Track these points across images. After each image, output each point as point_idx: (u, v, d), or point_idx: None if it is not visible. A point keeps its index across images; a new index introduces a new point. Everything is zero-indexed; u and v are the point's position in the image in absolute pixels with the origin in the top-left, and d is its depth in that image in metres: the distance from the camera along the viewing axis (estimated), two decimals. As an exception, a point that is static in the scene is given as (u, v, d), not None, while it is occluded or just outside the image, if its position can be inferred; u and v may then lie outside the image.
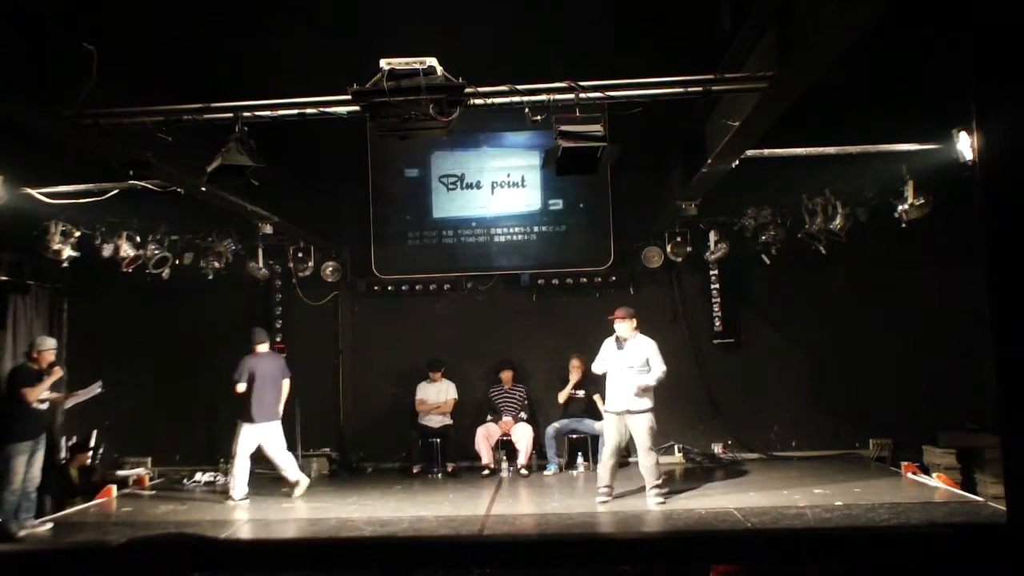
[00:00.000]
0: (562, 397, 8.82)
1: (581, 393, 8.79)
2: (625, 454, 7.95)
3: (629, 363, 7.05)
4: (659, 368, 7.02)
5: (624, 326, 7.18)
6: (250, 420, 7.67)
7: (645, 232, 9.41)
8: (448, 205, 9.48)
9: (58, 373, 7.07)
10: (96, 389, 7.76)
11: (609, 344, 7.33)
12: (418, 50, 4.73)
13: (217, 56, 5.92)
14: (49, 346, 7.14)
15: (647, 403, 6.97)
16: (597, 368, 7.38)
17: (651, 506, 6.93)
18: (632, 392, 6.95)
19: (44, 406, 6.98)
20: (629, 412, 6.99)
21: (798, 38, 4.26)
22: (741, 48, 5.18)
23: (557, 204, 9.43)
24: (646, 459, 6.97)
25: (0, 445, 6.72)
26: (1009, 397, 2.48)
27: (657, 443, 7.12)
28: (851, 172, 7.95)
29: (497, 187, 9.44)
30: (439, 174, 9.49)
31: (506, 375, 9.01)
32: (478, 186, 9.45)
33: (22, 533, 6.51)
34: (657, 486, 6.99)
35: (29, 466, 6.77)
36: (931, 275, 8.70)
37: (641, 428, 6.95)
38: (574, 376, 8.74)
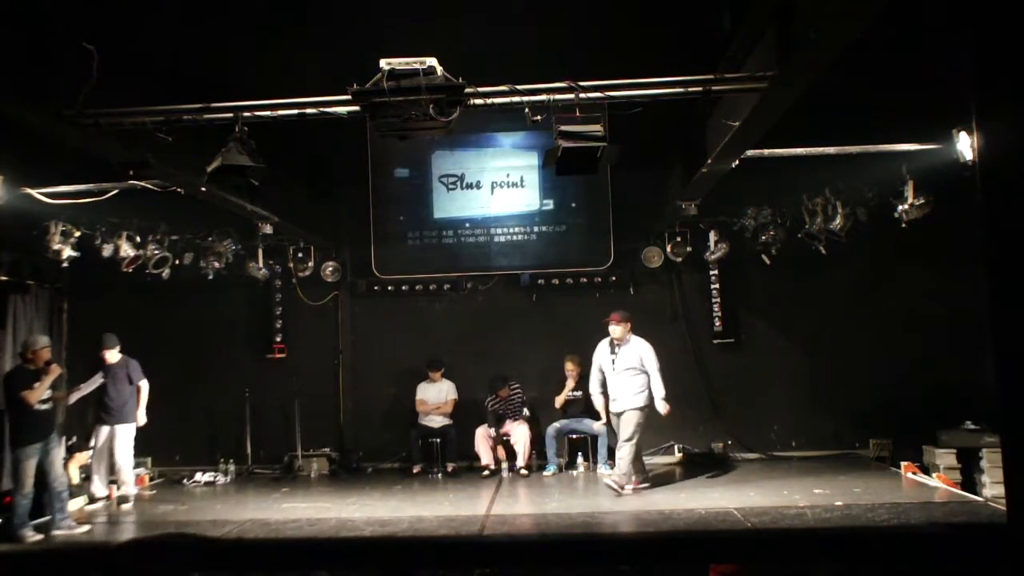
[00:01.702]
0: (559, 402, 8.79)
1: (579, 394, 8.76)
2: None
3: (625, 365, 7.35)
4: (655, 371, 7.26)
5: (619, 329, 7.43)
6: (135, 420, 7.88)
7: (645, 232, 9.40)
8: (448, 205, 9.48)
9: (56, 371, 6.88)
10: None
11: (602, 351, 7.57)
12: (418, 50, 4.73)
13: (217, 56, 5.92)
14: (44, 344, 6.93)
15: (640, 401, 7.24)
16: (594, 385, 7.67)
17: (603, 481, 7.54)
18: (629, 393, 7.28)
19: (47, 406, 6.80)
20: (624, 411, 7.30)
21: (798, 37, 4.26)
22: (741, 48, 5.18)
23: (557, 204, 9.41)
24: (621, 449, 7.26)
25: (9, 450, 6.68)
26: (1009, 397, 2.49)
27: (636, 435, 7.21)
28: (851, 172, 7.94)
29: (497, 187, 9.43)
30: (439, 174, 9.49)
31: (503, 393, 8.89)
32: (478, 186, 9.45)
33: (34, 538, 6.45)
34: (623, 476, 7.19)
35: (49, 467, 6.69)
36: (931, 275, 8.69)
37: (628, 421, 7.23)
38: (571, 380, 8.72)
